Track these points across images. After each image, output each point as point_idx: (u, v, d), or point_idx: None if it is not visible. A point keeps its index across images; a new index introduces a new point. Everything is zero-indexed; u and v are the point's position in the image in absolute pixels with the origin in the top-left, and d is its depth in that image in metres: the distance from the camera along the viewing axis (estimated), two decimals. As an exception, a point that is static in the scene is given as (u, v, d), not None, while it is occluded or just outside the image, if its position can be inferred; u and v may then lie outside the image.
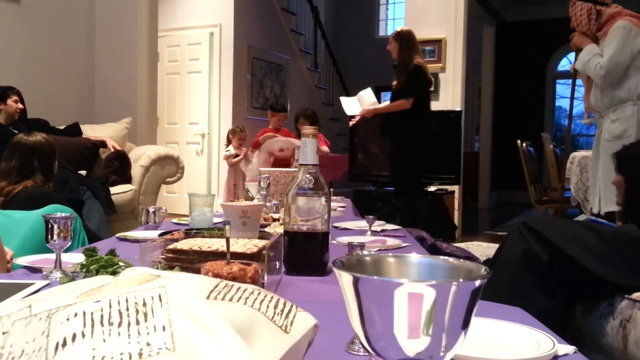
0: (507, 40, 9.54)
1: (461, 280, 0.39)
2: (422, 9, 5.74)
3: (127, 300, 0.46)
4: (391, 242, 1.76)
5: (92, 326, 0.45)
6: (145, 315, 0.45)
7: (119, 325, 0.45)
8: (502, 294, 1.47)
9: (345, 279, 0.41)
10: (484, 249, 4.57)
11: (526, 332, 0.80)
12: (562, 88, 9.95)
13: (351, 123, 4.87)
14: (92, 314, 0.46)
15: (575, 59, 3.18)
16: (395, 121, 4.40)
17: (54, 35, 4.63)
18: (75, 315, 0.46)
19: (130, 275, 0.52)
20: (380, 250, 1.65)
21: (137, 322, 0.45)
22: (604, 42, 2.98)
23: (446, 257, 0.45)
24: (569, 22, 3.15)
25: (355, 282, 0.41)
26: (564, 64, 9.69)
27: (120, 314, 0.45)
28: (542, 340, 0.77)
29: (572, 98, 3.73)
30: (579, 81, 3.35)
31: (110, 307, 0.46)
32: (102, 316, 0.45)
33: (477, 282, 0.39)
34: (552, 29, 8.26)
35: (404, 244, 1.74)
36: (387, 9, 10.90)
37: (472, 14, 7.13)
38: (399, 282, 0.39)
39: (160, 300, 0.46)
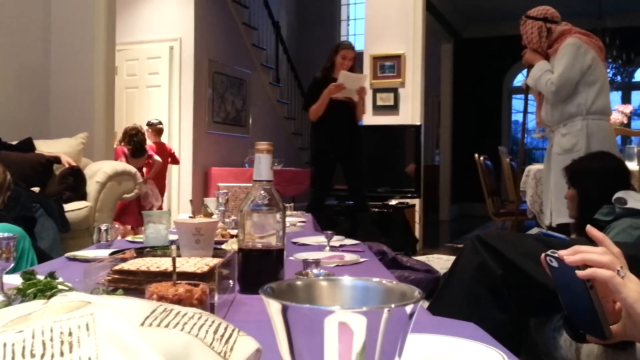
0: (465, 56, 9.75)
1: (393, 305, 0.38)
2: (381, 25, 5.82)
3: (51, 330, 0.44)
4: (349, 257, 1.75)
5: (13, 358, 0.42)
6: (71, 345, 0.43)
7: (42, 357, 0.42)
8: (457, 308, 1.48)
9: (273, 307, 0.40)
10: (444, 262, 4.61)
11: (476, 348, 0.80)
12: (518, 103, 10.21)
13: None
14: (13, 345, 0.43)
15: (527, 75, 3.27)
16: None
17: (6, 46, 4.50)
18: (-4, 346, 0.43)
19: (59, 302, 0.50)
20: (337, 266, 1.64)
21: (62, 354, 0.42)
22: (555, 58, 3.07)
23: (380, 279, 0.44)
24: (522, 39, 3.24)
25: (284, 311, 0.39)
26: (520, 79, 9.95)
27: (44, 344, 0.43)
28: (492, 355, 0.76)
29: (525, 113, 3.82)
30: (531, 96, 3.44)
31: (33, 337, 0.43)
32: (23, 347, 0.43)
33: (409, 308, 0.39)
34: (508, 46, 8.47)
35: (362, 259, 1.73)
36: (348, 25, 11.03)
37: (430, 31, 7.27)
38: (330, 310, 0.37)
39: (88, 329, 0.44)
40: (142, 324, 0.49)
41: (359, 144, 4.55)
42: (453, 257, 2.07)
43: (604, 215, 1.98)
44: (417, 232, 5.68)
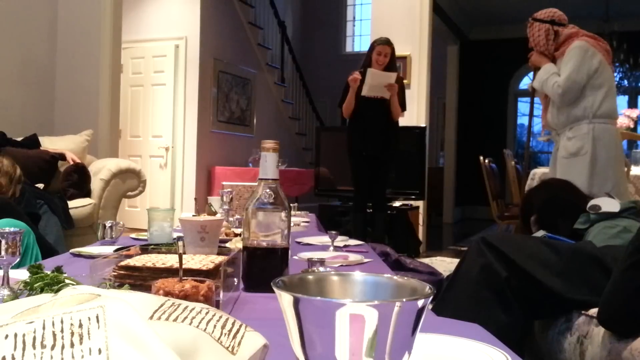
0: (471, 58, 9.74)
1: (404, 300, 0.38)
2: (387, 27, 5.82)
3: (62, 322, 0.44)
4: (353, 257, 1.75)
5: (23, 349, 0.42)
6: (81, 337, 0.43)
7: (52, 348, 0.42)
8: (462, 310, 1.48)
9: (285, 299, 0.40)
10: (447, 264, 4.61)
11: (480, 349, 0.79)
12: (524, 106, 10.19)
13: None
14: (24, 336, 0.43)
15: (534, 78, 3.26)
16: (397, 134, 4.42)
17: (12, 43, 4.52)
18: (6, 337, 0.43)
19: (69, 294, 0.50)
20: (341, 266, 1.64)
21: (72, 345, 0.43)
22: (561, 61, 3.06)
23: (390, 275, 0.44)
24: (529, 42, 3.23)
25: (296, 303, 0.39)
26: (526, 82, 9.93)
27: (54, 335, 0.43)
28: (496, 357, 0.76)
29: (531, 115, 3.81)
30: (537, 99, 3.43)
31: (43, 328, 0.44)
32: (34, 338, 0.43)
33: (420, 302, 0.38)
34: (514, 48, 8.48)
35: (366, 260, 1.73)
36: (354, 26, 11.03)
37: (437, 32, 7.26)
38: (341, 303, 0.37)
39: (98, 321, 0.44)
40: (151, 318, 0.49)
41: (392, 144, 4.38)
42: (456, 260, 2.08)
43: (581, 224, 2.02)
44: (421, 234, 5.67)
